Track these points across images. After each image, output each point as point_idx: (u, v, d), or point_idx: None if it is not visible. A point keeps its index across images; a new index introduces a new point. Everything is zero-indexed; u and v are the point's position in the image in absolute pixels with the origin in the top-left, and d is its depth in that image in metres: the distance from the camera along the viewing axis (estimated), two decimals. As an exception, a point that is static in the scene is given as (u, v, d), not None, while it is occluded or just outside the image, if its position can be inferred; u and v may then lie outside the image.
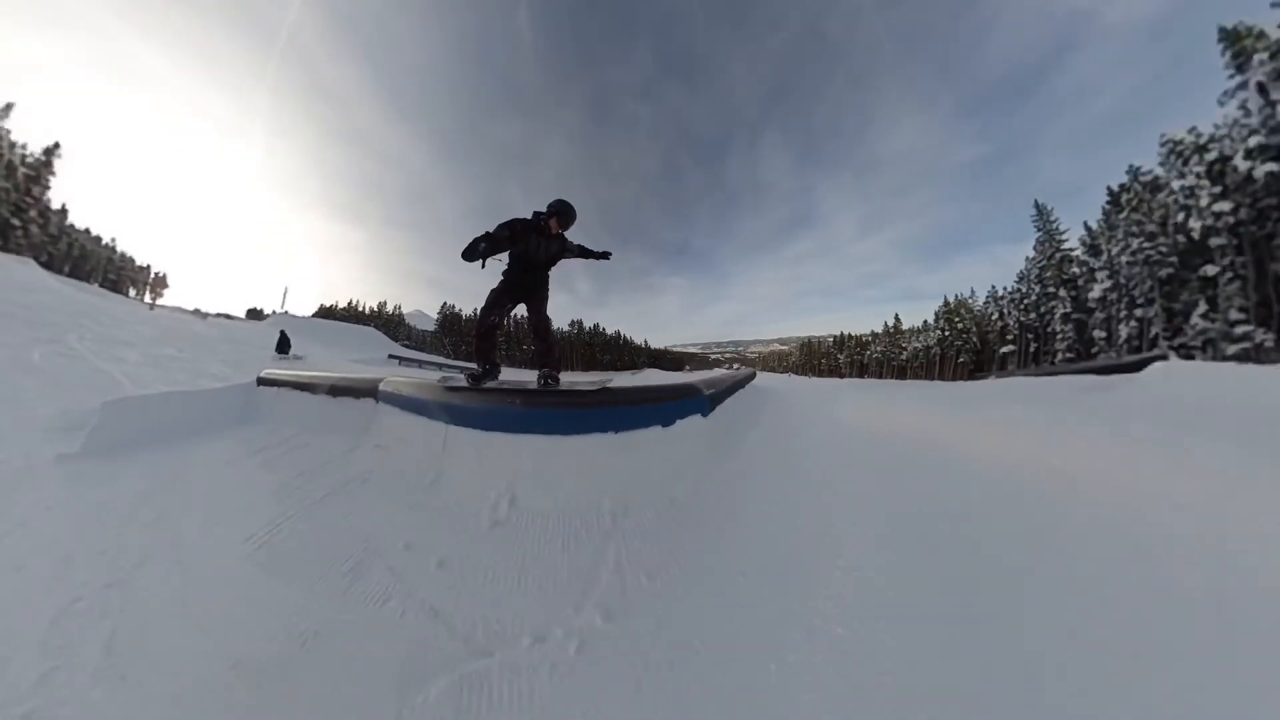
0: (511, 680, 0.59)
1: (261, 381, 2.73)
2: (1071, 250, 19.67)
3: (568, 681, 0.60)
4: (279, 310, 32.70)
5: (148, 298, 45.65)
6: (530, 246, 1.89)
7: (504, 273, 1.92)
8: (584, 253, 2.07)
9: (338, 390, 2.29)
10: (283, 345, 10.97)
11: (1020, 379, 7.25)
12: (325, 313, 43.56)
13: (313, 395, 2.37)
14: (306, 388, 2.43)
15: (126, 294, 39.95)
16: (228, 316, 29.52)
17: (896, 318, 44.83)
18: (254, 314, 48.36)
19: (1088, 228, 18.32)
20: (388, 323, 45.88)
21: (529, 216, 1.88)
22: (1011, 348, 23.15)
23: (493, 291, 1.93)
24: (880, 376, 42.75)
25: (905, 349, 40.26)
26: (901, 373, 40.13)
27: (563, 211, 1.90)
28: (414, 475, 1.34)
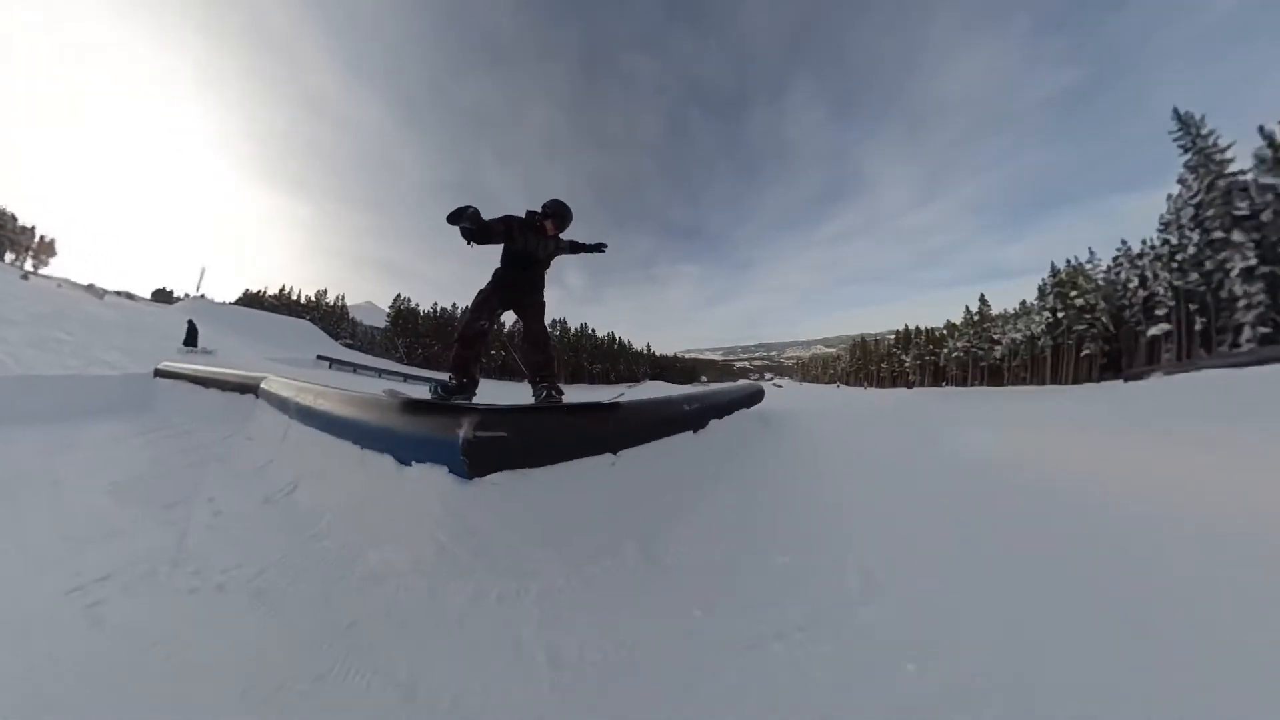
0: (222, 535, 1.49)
1: (159, 373, 4.34)
2: (1241, 174, 15.55)
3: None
4: (193, 294, 33.30)
5: (28, 264, 45.36)
6: (528, 243, 2.23)
7: (495, 272, 2.25)
8: (575, 247, 2.45)
9: (226, 387, 3.59)
10: (191, 337, 12.11)
11: (1218, 373, 6.12)
12: (252, 300, 44.11)
13: (205, 390, 3.73)
14: (201, 382, 3.83)
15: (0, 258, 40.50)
16: (129, 296, 30.09)
17: (983, 300, 41.39)
18: (162, 296, 49.18)
19: (1268, 135, 14.10)
20: (327, 316, 46.78)
21: (522, 215, 2.24)
22: (1165, 327, 18.43)
23: (481, 292, 2.22)
24: (965, 383, 39.73)
25: (998, 342, 36.69)
26: (995, 376, 36.74)
27: (559, 213, 2.26)
28: (255, 460, 2.36)
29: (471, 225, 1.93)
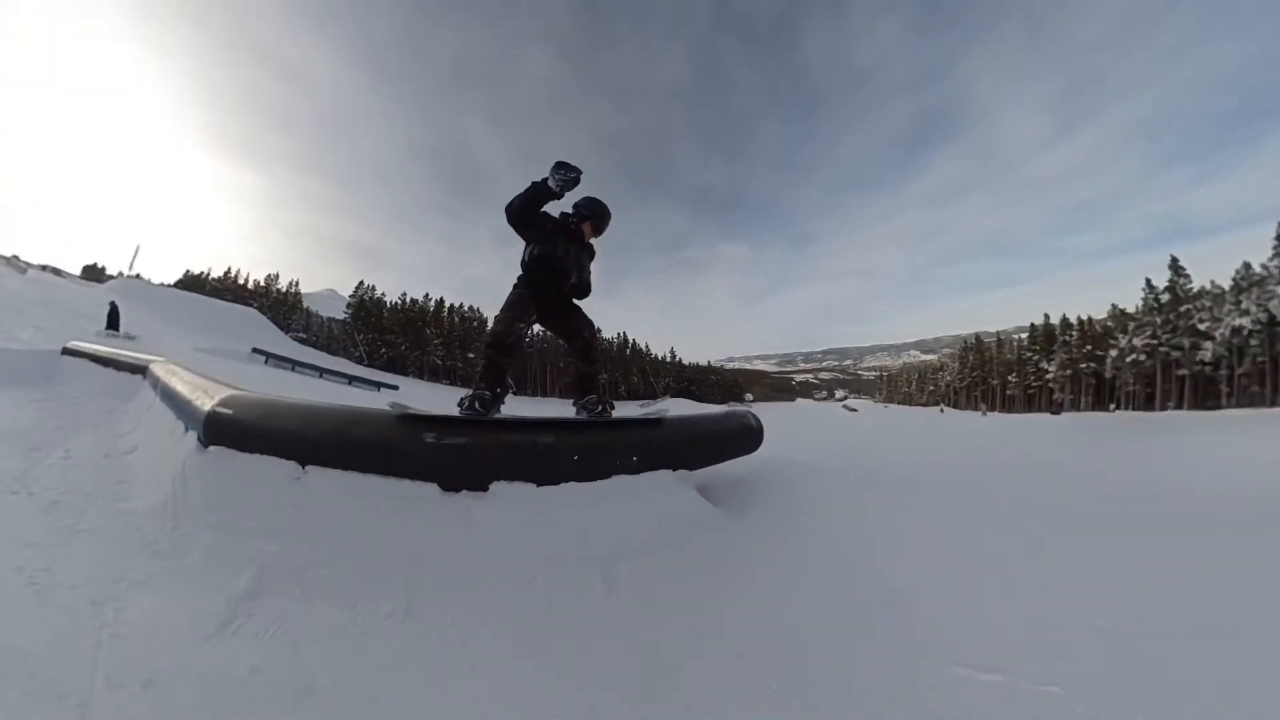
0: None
1: (66, 351, 6.43)
2: None
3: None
4: (127, 273, 37.70)
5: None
6: (558, 249, 2.53)
7: (522, 277, 2.58)
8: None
9: (122, 367, 5.22)
10: (112, 321, 14.23)
11: None
12: (193, 283, 47.62)
13: (104, 369, 5.48)
14: (101, 362, 5.65)
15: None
16: (56, 272, 33.03)
17: (1176, 269, 34.55)
18: (92, 273, 53.51)
19: None
20: (278, 304, 50.37)
21: (556, 215, 2.62)
22: None
23: (516, 293, 2.53)
24: (1150, 404, 34.75)
25: (1209, 335, 30.53)
26: (1205, 390, 31.19)
27: (598, 214, 2.64)
28: (121, 428, 3.55)
29: (543, 193, 2.38)
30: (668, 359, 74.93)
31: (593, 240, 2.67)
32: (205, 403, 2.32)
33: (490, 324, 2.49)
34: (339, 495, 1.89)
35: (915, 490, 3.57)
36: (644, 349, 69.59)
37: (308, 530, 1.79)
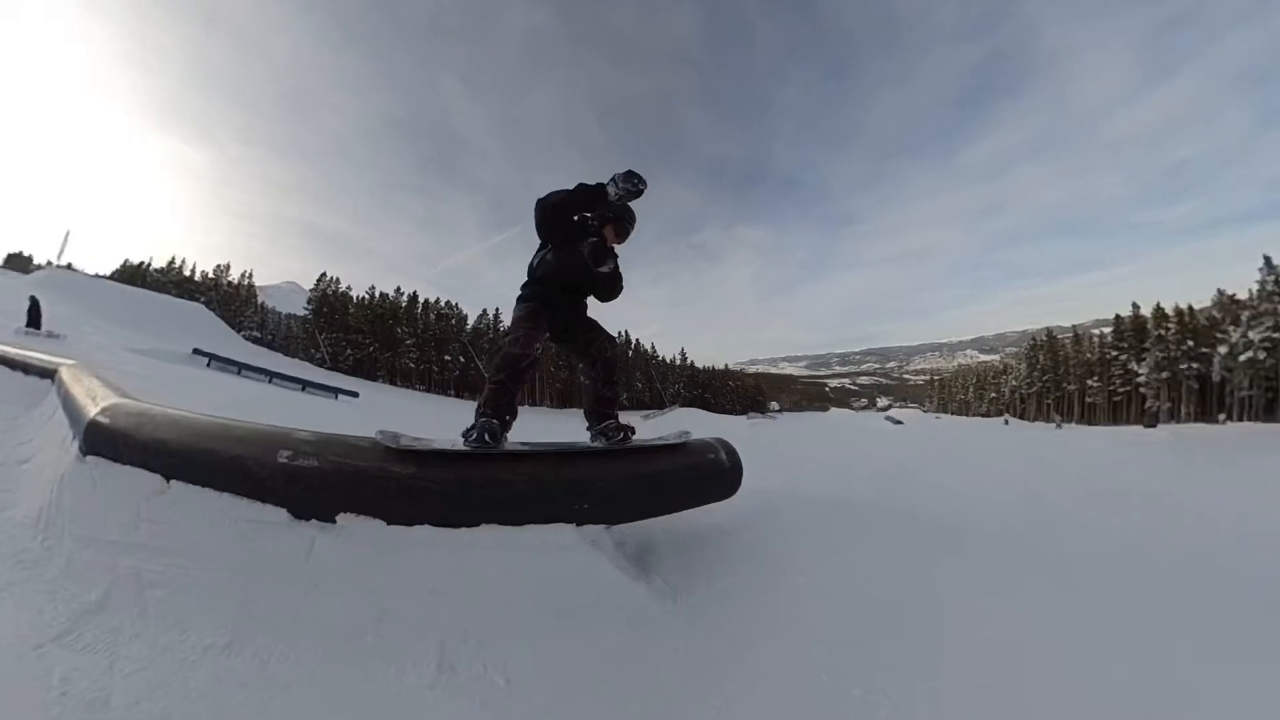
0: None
1: None
2: None
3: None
4: (55, 262, 37.30)
5: None
6: (577, 258, 2.55)
7: (531, 287, 2.65)
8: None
9: (30, 370, 5.43)
10: (34, 317, 14.31)
11: None
12: (132, 274, 47.22)
13: (12, 372, 5.63)
14: (10, 365, 5.80)
15: None
16: None
17: None
18: (17, 262, 54.65)
19: None
20: (228, 298, 50.24)
21: (574, 218, 2.64)
22: None
23: (527, 307, 2.58)
24: (1272, 414, 33.46)
25: None
26: None
27: (622, 216, 2.61)
28: (22, 436, 3.62)
29: (595, 199, 2.52)
30: (677, 362, 74.03)
31: (614, 246, 2.69)
32: (89, 410, 2.49)
33: (502, 344, 2.53)
34: (195, 513, 1.99)
35: (985, 548, 3.10)
36: (649, 351, 69.13)
37: (163, 547, 1.92)
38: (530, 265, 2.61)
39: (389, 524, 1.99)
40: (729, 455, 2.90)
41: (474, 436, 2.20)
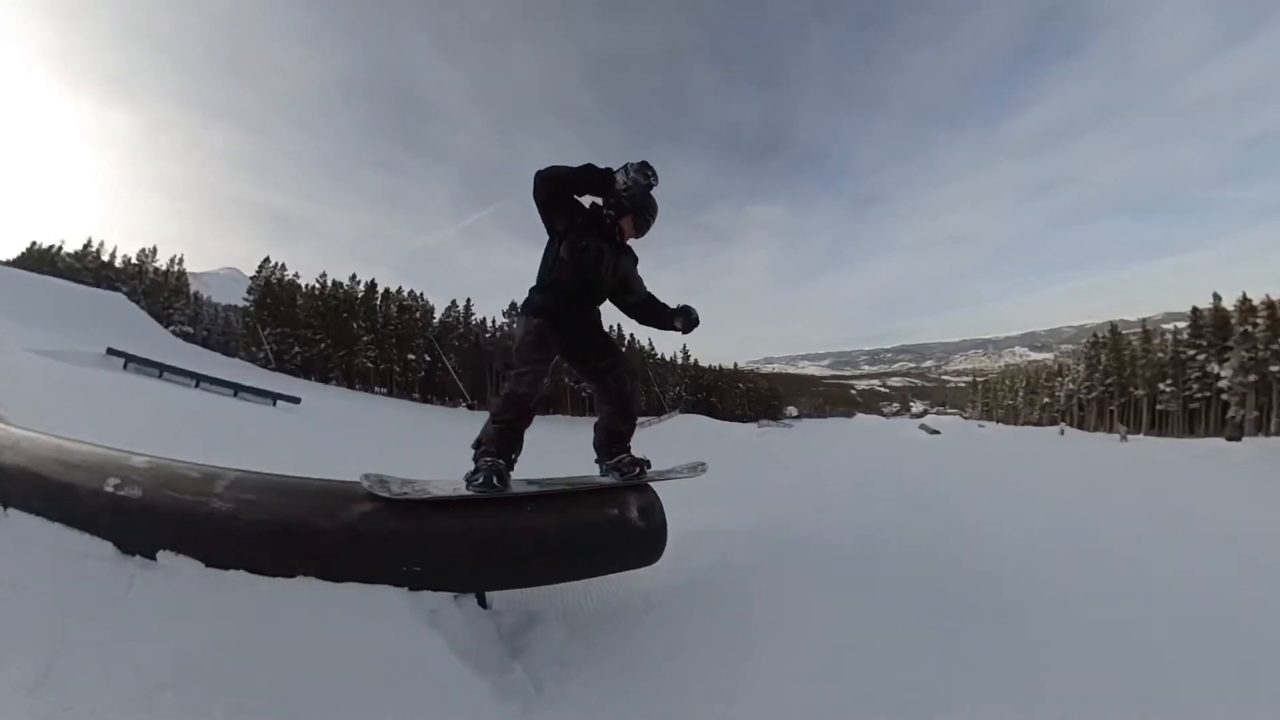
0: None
1: None
2: None
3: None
4: None
5: None
6: (589, 256, 2.59)
7: (539, 297, 2.64)
8: (645, 309, 3.11)
9: None
10: None
11: None
12: (38, 259, 46.57)
13: None
14: None
15: None
16: None
17: None
18: None
19: None
20: (155, 287, 49.26)
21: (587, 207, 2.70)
22: None
23: (534, 328, 2.58)
24: None
25: None
26: None
27: (643, 207, 2.64)
28: None
29: (601, 184, 2.56)
30: (678, 361, 74.27)
31: (630, 243, 2.77)
32: None
33: (511, 378, 2.54)
34: (29, 543, 2.09)
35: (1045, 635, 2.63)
36: (645, 348, 68.66)
37: None
38: (541, 268, 2.63)
39: (207, 566, 2.08)
40: (646, 512, 2.80)
41: (479, 481, 2.27)
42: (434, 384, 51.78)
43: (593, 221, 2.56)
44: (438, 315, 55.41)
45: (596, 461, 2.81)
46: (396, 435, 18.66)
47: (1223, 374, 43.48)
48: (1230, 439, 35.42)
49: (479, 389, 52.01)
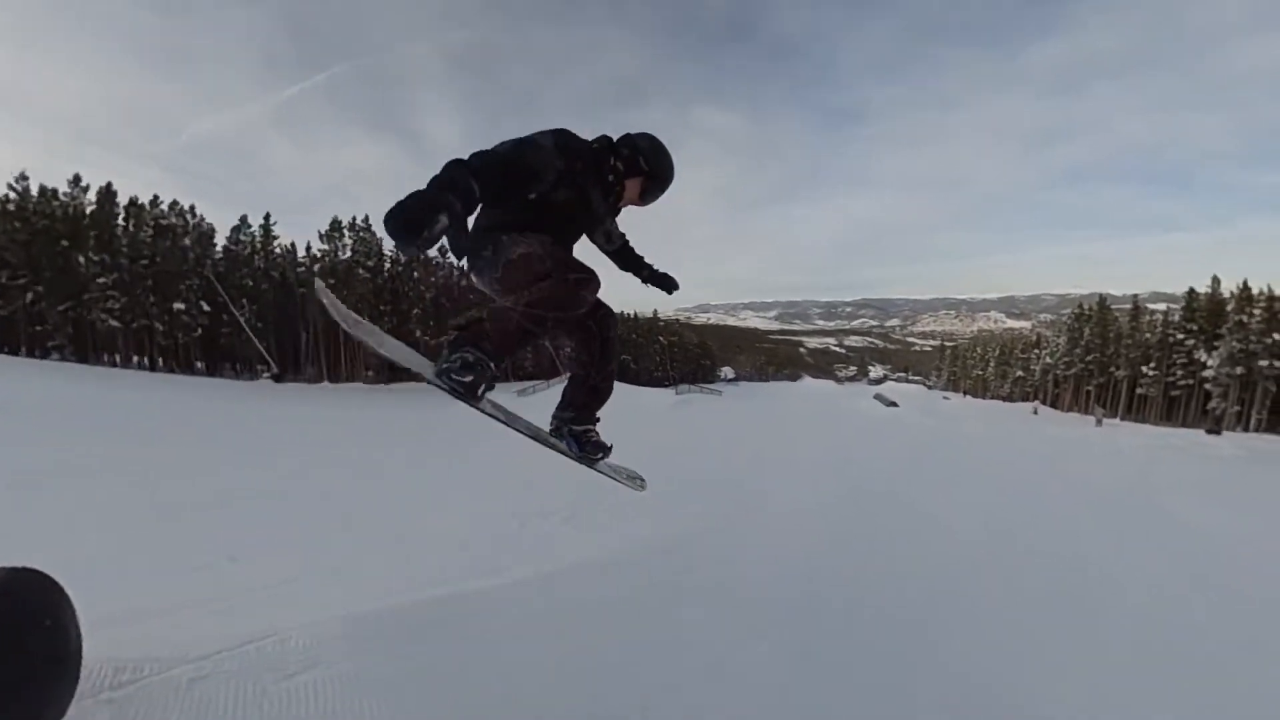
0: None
1: None
2: None
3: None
4: None
5: None
6: (588, 201, 2.74)
7: (518, 215, 2.61)
8: (646, 270, 3.60)
9: None
10: None
11: None
12: None
13: None
14: None
15: None
16: None
17: None
18: None
19: None
20: None
21: (590, 141, 2.76)
22: None
23: (537, 240, 2.55)
24: None
25: None
26: None
27: (659, 173, 2.84)
28: None
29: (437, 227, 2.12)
30: None
31: (630, 208, 2.97)
32: None
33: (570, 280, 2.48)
34: None
35: None
36: None
37: None
38: (516, 199, 2.53)
39: None
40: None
41: (458, 367, 2.27)
42: (218, 346, 46.34)
43: (593, 167, 2.64)
44: (220, 240, 48.53)
45: (555, 425, 2.90)
46: (125, 451, 12.03)
47: (1209, 363, 48.42)
48: (1210, 432, 40.86)
49: (289, 350, 47.71)
